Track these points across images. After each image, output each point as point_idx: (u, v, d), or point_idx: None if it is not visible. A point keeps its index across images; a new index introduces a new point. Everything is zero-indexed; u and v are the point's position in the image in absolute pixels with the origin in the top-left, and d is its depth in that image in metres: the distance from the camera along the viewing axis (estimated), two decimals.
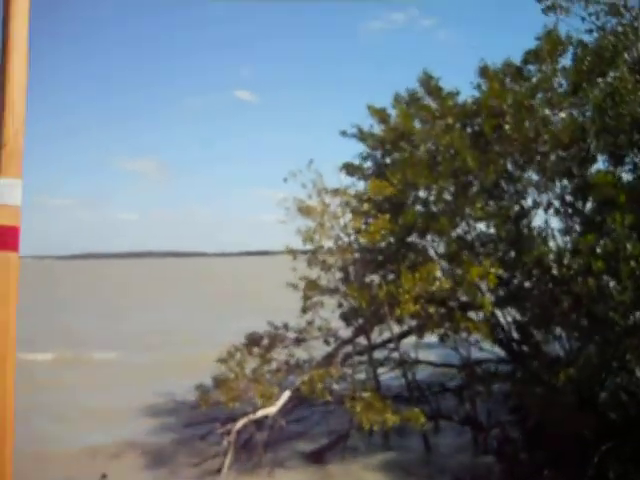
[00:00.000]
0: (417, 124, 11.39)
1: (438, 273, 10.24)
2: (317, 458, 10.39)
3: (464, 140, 10.05)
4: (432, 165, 10.48)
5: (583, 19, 9.30)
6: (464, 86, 11.12)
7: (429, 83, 11.45)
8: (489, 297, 9.88)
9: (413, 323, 10.97)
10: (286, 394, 10.09)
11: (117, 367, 18.93)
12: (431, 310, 9.90)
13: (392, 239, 10.88)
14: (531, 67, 10.20)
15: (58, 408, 13.82)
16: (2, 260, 2.13)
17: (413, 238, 11.16)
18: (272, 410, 9.84)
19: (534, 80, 10.03)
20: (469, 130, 10.62)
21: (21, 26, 2.23)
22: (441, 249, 11.14)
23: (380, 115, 11.84)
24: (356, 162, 12.14)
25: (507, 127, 9.48)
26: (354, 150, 12.34)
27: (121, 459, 10.58)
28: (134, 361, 19.74)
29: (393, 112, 11.82)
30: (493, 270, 9.39)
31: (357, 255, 11.17)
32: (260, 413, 9.79)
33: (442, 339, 10.61)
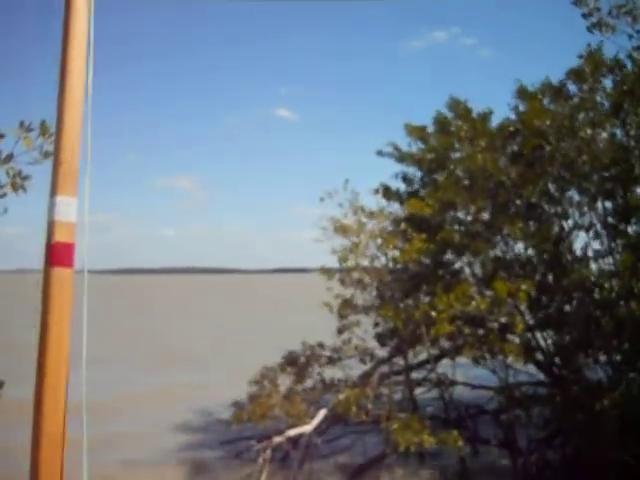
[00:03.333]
0: (450, 147, 11.36)
1: (474, 294, 10.14)
2: (352, 478, 10.32)
3: (496, 161, 10.00)
4: (470, 185, 10.43)
5: (630, 37, 9.13)
6: (504, 105, 11.07)
7: (458, 107, 11.46)
8: (522, 319, 9.74)
9: (449, 344, 10.86)
10: (322, 413, 10.07)
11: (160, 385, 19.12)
12: (467, 331, 9.80)
13: (428, 259, 10.84)
14: (572, 86, 10.12)
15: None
16: (58, 276, 2.21)
17: (449, 257, 11.10)
18: (308, 428, 9.82)
19: (575, 100, 9.94)
20: (509, 150, 10.55)
21: (79, 52, 2.34)
22: (477, 269, 11.05)
23: (418, 134, 11.84)
24: (393, 182, 12.16)
25: (548, 147, 9.40)
26: (391, 170, 12.37)
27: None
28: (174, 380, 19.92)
29: (432, 129, 11.82)
30: (524, 287, 9.27)
31: (393, 275, 11.15)
32: (295, 431, 9.78)
33: (477, 361, 10.45)
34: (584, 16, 7.50)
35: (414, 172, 12.13)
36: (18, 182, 2.85)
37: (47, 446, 2.10)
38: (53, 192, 2.26)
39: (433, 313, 9.52)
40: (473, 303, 9.55)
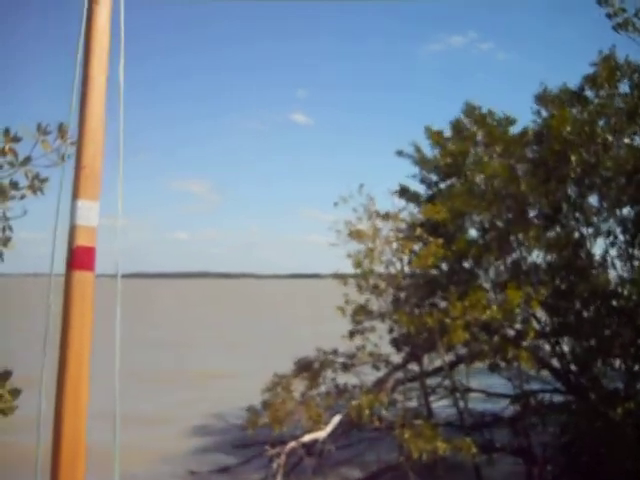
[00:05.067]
0: (466, 153, 11.30)
1: (488, 301, 10.06)
2: None
3: (509, 168, 9.94)
4: (485, 192, 10.38)
5: None
6: (524, 110, 11.03)
7: (473, 113, 11.41)
8: (534, 326, 9.66)
9: (464, 351, 10.80)
10: (336, 419, 10.02)
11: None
12: (482, 338, 9.73)
13: (444, 265, 10.79)
14: (589, 92, 10.04)
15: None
16: (79, 279, 2.22)
17: (465, 264, 11.04)
18: (322, 434, 9.78)
19: (593, 105, 9.86)
20: (529, 156, 10.46)
21: (100, 60, 2.35)
22: (493, 276, 10.99)
23: (436, 139, 11.79)
24: (409, 185, 12.14)
25: (568, 153, 9.33)
26: (407, 173, 12.35)
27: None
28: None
29: (449, 134, 11.78)
30: (535, 295, 9.19)
31: (408, 281, 11.10)
32: (310, 437, 9.74)
33: (492, 368, 10.38)
34: (608, 16, 7.44)
35: (431, 176, 12.10)
36: (36, 184, 2.86)
37: (67, 451, 2.10)
38: (75, 196, 2.26)
39: (447, 320, 9.46)
40: (488, 312, 9.47)
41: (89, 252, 2.26)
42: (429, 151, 11.99)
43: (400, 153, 12.24)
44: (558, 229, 10.01)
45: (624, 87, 9.73)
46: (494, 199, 10.05)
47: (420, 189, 12.19)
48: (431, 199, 11.42)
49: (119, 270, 2.34)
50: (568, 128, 9.29)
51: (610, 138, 9.20)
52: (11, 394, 2.37)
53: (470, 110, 11.42)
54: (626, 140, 9.26)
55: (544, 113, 10.42)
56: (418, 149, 12.06)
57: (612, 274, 9.39)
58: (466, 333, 9.41)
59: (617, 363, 9.34)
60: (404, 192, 12.02)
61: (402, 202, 11.87)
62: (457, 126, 11.63)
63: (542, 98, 10.43)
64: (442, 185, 11.79)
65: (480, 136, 11.08)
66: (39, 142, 2.73)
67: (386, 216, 11.03)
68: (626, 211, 9.35)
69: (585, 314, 9.58)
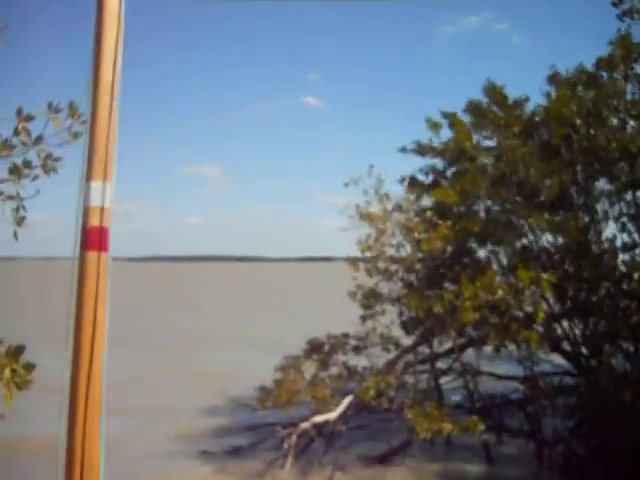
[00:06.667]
0: (477, 136, 11.19)
1: (499, 282, 10.05)
2: (375, 466, 10.37)
3: (530, 149, 9.87)
4: (495, 176, 10.33)
5: None
6: (537, 90, 10.88)
7: (494, 92, 11.27)
8: (544, 307, 9.66)
9: (474, 334, 10.83)
10: (347, 400, 10.12)
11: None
12: (492, 319, 9.76)
13: (453, 247, 10.79)
14: (604, 73, 9.93)
15: None
16: (93, 260, 2.24)
17: (473, 245, 11.02)
18: (332, 415, 9.88)
19: (606, 87, 9.77)
20: (536, 138, 10.40)
21: (111, 40, 2.37)
22: (503, 259, 10.98)
23: (438, 128, 11.65)
24: (417, 175, 12.04)
25: (576, 136, 9.27)
26: (419, 159, 12.25)
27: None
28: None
29: (465, 118, 11.62)
30: (546, 276, 9.19)
31: (418, 264, 11.11)
32: (321, 418, 9.85)
33: (497, 349, 10.40)
34: (614, 5, 7.37)
35: (439, 163, 11.98)
36: (49, 164, 2.89)
37: (81, 429, 2.14)
38: (88, 178, 2.29)
39: (457, 302, 9.48)
40: (499, 292, 9.48)
41: (103, 233, 2.29)
42: (434, 141, 11.82)
43: (404, 150, 12.07)
44: (567, 213, 9.96)
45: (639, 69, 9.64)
46: (507, 181, 10.00)
47: (429, 177, 12.08)
48: (438, 184, 11.34)
49: (108, 252, 2.33)
50: (574, 109, 9.22)
51: (615, 121, 9.14)
52: (25, 369, 2.42)
53: (491, 88, 11.25)
54: (632, 123, 9.19)
55: (554, 95, 10.33)
56: (419, 143, 11.89)
57: (622, 258, 9.36)
58: (476, 314, 9.43)
59: (627, 346, 9.34)
60: (412, 182, 11.90)
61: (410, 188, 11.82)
62: (474, 107, 11.43)
63: (554, 78, 10.33)
64: (450, 171, 11.68)
65: (500, 117, 10.97)
66: (51, 120, 2.76)
67: (396, 204, 11.08)
68: (637, 194, 9.28)
69: (594, 297, 9.58)
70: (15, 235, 2.83)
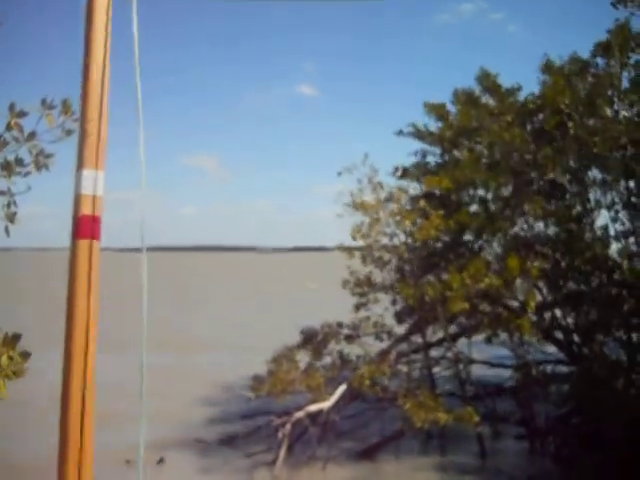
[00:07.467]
0: (474, 122, 11.19)
1: (487, 271, 10.05)
2: (368, 455, 10.39)
3: (524, 137, 9.87)
4: (491, 162, 10.34)
5: None
6: (533, 81, 10.91)
7: (487, 80, 11.28)
8: (535, 296, 9.69)
9: (466, 322, 10.87)
10: (341, 389, 10.15)
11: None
12: (483, 308, 9.78)
13: (446, 237, 10.80)
14: (599, 61, 9.91)
15: None
16: (84, 248, 2.22)
17: (467, 237, 11.05)
18: (326, 405, 9.91)
19: (601, 75, 9.75)
20: (529, 127, 10.40)
21: (101, 22, 2.33)
22: (495, 248, 11.00)
23: (438, 112, 11.69)
24: (413, 160, 12.03)
25: (570, 124, 9.27)
26: (413, 147, 12.25)
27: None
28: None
29: (452, 108, 11.67)
30: (536, 264, 9.22)
31: (411, 253, 11.11)
32: (315, 407, 9.88)
33: (489, 339, 10.44)
34: None
35: (434, 150, 11.98)
36: (41, 160, 2.88)
37: (74, 424, 2.12)
38: (79, 166, 2.26)
39: (448, 292, 9.50)
40: (486, 280, 9.49)
41: (94, 221, 2.27)
42: (430, 126, 11.84)
43: (400, 133, 12.06)
44: (559, 202, 9.98)
45: (636, 57, 9.62)
46: (502, 168, 10.00)
47: (422, 165, 12.07)
48: (433, 173, 11.34)
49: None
50: (567, 99, 9.22)
51: (608, 111, 9.14)
52: (21, 356, 2.42)
53: (484, 76, 11.26)
54: (624, 113, 9.19)
55: (548, 83, 10.32)
56: (416, 127, 11.89)
57: (615, 247, 9.40)
58: (465, 303, 9.45)
59: (620, 334, 9.39)
60: (405, 172, 11.89)
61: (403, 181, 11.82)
62: (465, 95, 11.44)
63: (547, 67, 10.32)
64: (446, 157, 11.69)
65: (492, 105, 10.98)
66: (44, 116, 2.74)
67: (390, 192, 11.07)
68: (630, 184, 9.30)
69: (587, 286, 9.62)
70: (7, 231, 2.82)
